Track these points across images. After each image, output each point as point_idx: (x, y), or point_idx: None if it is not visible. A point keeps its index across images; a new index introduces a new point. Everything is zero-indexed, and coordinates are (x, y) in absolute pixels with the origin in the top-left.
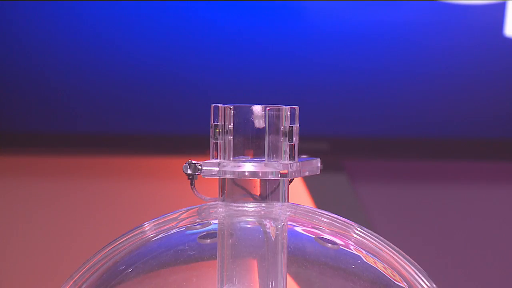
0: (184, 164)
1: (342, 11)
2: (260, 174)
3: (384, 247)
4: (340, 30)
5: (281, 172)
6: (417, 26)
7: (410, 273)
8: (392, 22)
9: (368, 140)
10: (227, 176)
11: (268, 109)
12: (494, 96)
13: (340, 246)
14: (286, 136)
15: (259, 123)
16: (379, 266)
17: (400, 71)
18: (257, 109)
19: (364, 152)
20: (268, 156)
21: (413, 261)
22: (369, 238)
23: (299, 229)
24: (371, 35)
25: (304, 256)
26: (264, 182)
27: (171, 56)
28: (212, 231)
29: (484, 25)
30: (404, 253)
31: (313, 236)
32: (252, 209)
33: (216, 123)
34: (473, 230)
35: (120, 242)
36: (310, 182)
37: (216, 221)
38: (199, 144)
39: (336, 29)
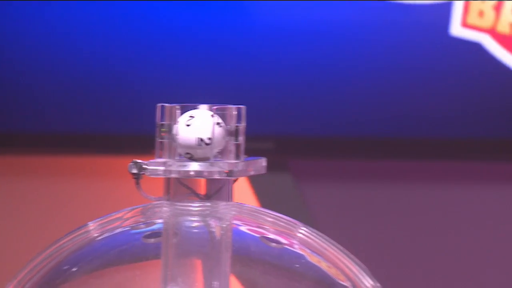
0: (129, 164)
1: (283, 9)
2: (205, 174)
3: (329, 246)
4: (284, 27)
5: (226, 171)
6: (364, 25)
7: (354, 272)
8: (344, 21)
9: (313, 139)
10: (173, 175)
11: (215, 108)
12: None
13: (285, 246)
14: (232, 136)
15: None
16: (323, 265)
17: (342, 69)
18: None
19: (309, 152)
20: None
21: (357, 260)
22: (313, 238)
23: (243, 228)
24: (323, 33)
25: (249, 256)
26: (209, 182)
27: (111, 55)
28: (157, 231)
29: (431, 24)
30: (348, 252)
31: (258, 236)
32: (197, 208)
33: (162, 122)
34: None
35: (64, 242)
36: (255, 182)
37: (161, 221)
38: (142, 143)
39: (280, 26)
